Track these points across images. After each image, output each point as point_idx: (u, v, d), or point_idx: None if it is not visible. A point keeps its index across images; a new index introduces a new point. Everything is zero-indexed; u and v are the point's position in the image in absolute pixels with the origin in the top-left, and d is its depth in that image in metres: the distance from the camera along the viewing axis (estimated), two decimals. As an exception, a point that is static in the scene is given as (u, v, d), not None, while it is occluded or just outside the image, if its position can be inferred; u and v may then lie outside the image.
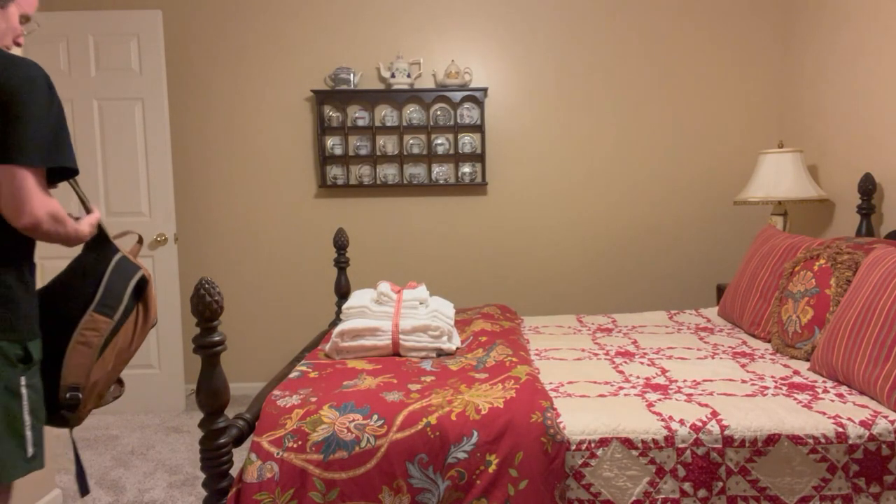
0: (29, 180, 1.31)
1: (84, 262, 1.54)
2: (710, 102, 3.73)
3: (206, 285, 1.47)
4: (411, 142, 3.71)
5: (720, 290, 3.38)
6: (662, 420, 1.60)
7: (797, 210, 3.50)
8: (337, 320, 2.83)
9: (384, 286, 2.28)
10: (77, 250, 1.56)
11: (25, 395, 1.36)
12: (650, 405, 1.70)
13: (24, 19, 1.51)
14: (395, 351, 2.14)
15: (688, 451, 1.56)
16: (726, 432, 1.56)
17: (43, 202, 1.33)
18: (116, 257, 1.54)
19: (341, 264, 2.90)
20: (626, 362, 2.14)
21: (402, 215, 3.79)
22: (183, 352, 3.61)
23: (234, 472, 1.59)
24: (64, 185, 1.52)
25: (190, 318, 3.66)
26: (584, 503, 1.55)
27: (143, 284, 1.55)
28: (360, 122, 3.70)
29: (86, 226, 1.48)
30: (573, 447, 1.55)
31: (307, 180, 3.78)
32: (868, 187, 2.80)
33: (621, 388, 1.86)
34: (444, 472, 1.52)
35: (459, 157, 3.70)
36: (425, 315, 2.20)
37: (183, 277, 3.68)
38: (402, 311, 2.19)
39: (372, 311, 2.20)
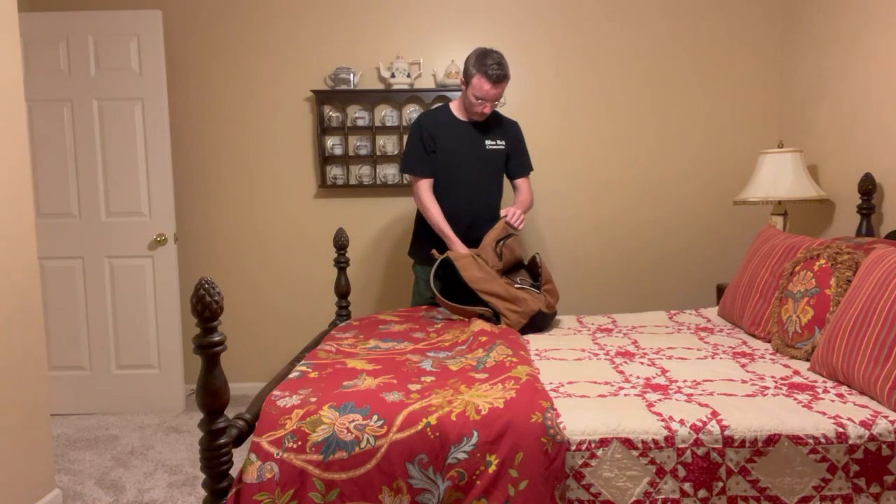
0: None
1: None
2: (710, 102, 3.73)
3: (206, 285, 1.46)
4: (411, 142, 3.70)
5: (720, 290, 3.38)
6: (662, 420, 1.60)
7: (797, 210, 3.50)
8: (337, 320, 2.83)
9: None
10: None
11: None
12: (650, 405, 1.69)
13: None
14: None
15: (688, 452, 1.55)
16: (726, 432, 1.56)
17: None
18: None
19: (341, 264, 2.90)
20: (626, 362, 2.13)
21: (402, 215, 3.78)
22: (183, 352, 3.61)
23: (233, 472, 1.59)
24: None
25: (190, 318, 3.66)
26: (584, 503, 1.55)
27: None
28: (360, 122, 3.69)
29: None
30: (573, 447, 1.55)
31: (307, 180, 3.78)
32: (868, 187, 2.80)
33: (621, 388, 1.85)
34: (444, 472, 1.52)
35: (459, 157, 3.70)
36: None
37: (183, 277, 3.68)
38: None
39: None
